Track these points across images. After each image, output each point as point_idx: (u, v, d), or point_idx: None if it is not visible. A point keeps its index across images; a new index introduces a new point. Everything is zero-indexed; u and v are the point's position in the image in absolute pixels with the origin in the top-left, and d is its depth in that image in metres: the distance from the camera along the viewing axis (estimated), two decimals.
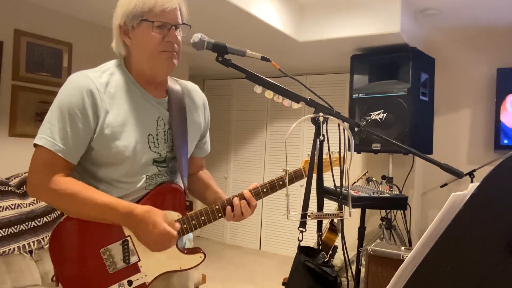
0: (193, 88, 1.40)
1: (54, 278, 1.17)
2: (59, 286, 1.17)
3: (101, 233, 1.16)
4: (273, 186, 1.30)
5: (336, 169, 1.34)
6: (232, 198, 1.27)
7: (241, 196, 1.27)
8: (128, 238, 1.18)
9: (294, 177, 1.33)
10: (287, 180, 1.28)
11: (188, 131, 1.30)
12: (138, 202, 1.19)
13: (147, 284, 1.20)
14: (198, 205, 1.38)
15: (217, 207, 1.26)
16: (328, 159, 1.33)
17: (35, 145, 1.12)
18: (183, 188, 1.27)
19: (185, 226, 1.22)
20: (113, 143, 1.14)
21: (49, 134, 1.10)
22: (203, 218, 1.24)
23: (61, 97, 1.13)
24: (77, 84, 1.13)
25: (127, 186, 1.19)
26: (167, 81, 1.31)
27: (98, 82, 1.15)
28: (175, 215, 1.22)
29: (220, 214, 1.26)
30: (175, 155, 1.26)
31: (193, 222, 1.23)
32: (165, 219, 1.15)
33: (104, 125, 1.13)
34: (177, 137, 1.25)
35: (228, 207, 1.26)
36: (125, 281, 1.18)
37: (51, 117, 1.12)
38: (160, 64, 1.19)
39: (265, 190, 1.30)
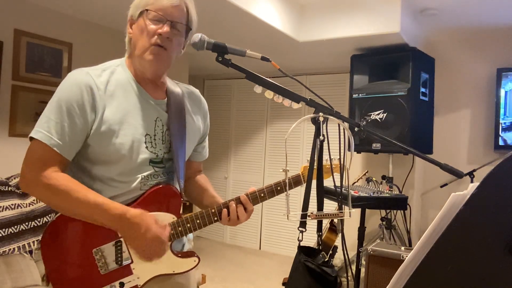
0: (194, 92, 1.40)
1: (45, 278, 1.16)
2: (49, 286, 1.15)
3: (94, 233, 1.14)
4: (271, 191, 1.29)
5: (336, 171, 1.34)
6: (229, 202, 1.26)
7: (238, 200, 1.26)
8: (122, 239, 1.16)
9: (293, 182, 1.31)
10: (287, 181, 1.28)
11: (186, 133, 1.29)
12: (133, 202, 1.18)
13: (139, 286, 1.18)
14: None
15: (213, 210, 1.25)
16: (328, 165, 1.32)
17: (31, 138, 1.11)
18: (179, 190, 1.26)
19: (179, 228, 1.21)
20: (109, 141, 1.13)
21: (45, 128, 1.09)
22: (198, 221, 1.23)
23: (60, 92, 1.13)
24: (77, 80, 1.13)
25: (122, 186, 1.17)
26: (165, 82, 1.30)
27: (98, 81, 1.14)
28: (170, 217, 1.21)
29: (215, 218, 1.25)
30: (172, 157, 1.25)
31: (188, 225, 1.22)
32: (157, 224, 1.13)
33: (102, 121, 1.13)
34: (175, 139, 1.25)
35: (224, 211, 1.25)
36: (116, 283, 1.16)
37: (49, 111, 1.11)
38: (147, 59, 1.18)
39: (262, 195, 1.28)
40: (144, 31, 1.17)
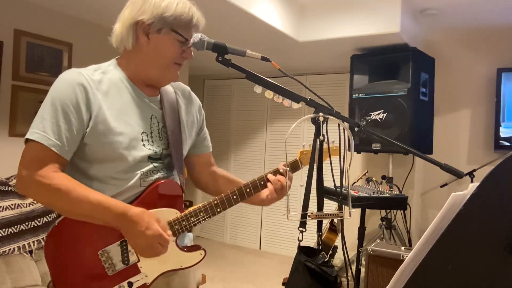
0: (184, 88, 1.42)
1: (50, 284, 1.14)
2: None
3: (98, 234, 1.13)
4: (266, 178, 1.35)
5: (336, 169, 1.34)
6: (266, 175, 1.33)
7: (276, 172, 1.34)
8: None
9: (291, 168, 1.35)
10: (287, 180, 1.29)
11: (181, 128, 1.31)
12: (135, 199, 1.17)
13: (148, 284, 1.18)
14: (198, 203, 1.38)
15: (215, 202, 1.25)
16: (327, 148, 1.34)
17: (27, 140, 1.09)
18: (180, 184, 1.26)
19: (184, 223, 1.21)
20: (106, 139, 1.13)
21: (41, 128, 1.08)
22: (202, 214, 1.23)
23: (54, 92, 1.12)
24: (69, 79, 1.12)
25: (121, 183, 1.16)
26: None
27: (90, 79, 1.14)
28: (173, 212, 1.21)
29: (218, 209, 1.25)
30: (171, 152, 1.26)
31: (192, 219, 1.22)
32: (159, 223, 1.13)
33: (98, 120, 1.12)
34: (172, 134, 1.26)
35: (271, 177, 1.33)
36: (125, 283, 1.15)
37: (43, 112, 1.11)
38: (169, 74, 1.24)
39: (262, 183, 1.36)
40: (171, 49, 1.20)
